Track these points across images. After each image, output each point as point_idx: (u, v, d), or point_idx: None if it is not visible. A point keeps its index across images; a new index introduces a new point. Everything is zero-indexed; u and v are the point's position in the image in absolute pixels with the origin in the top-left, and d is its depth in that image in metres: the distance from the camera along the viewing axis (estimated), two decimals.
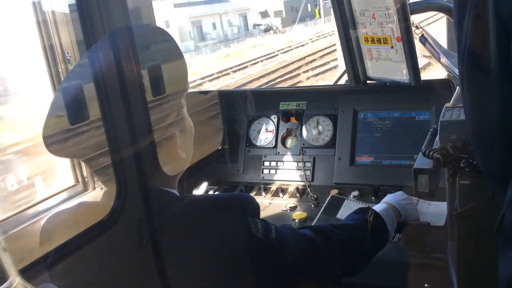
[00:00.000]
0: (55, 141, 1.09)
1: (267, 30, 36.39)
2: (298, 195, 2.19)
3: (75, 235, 1.01)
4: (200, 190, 2.19)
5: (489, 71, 0.81)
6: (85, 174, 2.18)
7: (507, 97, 0.80)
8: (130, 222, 1.06)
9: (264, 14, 40.11)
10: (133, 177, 1.05)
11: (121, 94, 1.00)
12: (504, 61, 0.78)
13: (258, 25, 38.33)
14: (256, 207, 1.26)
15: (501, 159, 0.87)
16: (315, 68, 15.61)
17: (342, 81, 2.75)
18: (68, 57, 2.03)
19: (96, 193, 2.17)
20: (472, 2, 0.81)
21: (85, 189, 2.22)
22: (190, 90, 2.54)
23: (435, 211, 1.83)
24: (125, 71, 1.01)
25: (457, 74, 1.72)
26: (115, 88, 0.99)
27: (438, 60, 1.87)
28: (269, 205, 2.15)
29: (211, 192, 2.22)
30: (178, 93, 1.24)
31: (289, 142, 2.40)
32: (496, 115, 0.84)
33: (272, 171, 2.36)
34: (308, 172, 2.28)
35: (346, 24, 1.97)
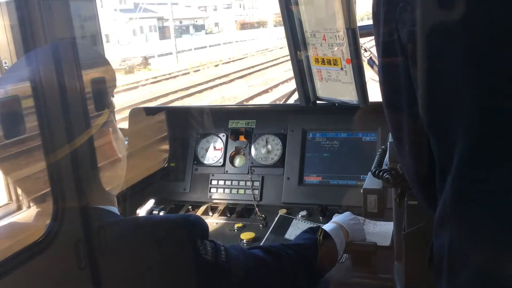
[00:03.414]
0: None
1: None
2: (246, 214, 2.16)
3: (3, 258, 0.92)
4: (145, 208, 2.10)
5: (398, 100, 0.83)
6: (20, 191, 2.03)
7: (417, 146, 0.83)
8: (66, 244, 0.98)
9: None
10: (70, 191, 0.97)
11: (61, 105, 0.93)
12: (407, 91, 0.80)
13: None
14: (205, 229, 1.22)
15: (424, 196, 0.91)
16: None
17: (291, 100, 2.77)
18: (6, 67, 1.90)
19: (32, 212, 2.03)
20: (379, 31, 0.82)
21: (19, 207, 2.08)
22: (135, 107, 2.47)
23: (381, 231, 1.85)
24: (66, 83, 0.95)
25: None
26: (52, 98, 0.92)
27: None
28: (217, 225, 2.10)
29: (156, 212, 2.13)
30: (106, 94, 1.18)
31: (238, 161, 2.37)
32: (409, 158, 0.87)
33: (220, 190, 2.32)
34: (257, 192, 2.25)
35: (297, 44, 1.99)
